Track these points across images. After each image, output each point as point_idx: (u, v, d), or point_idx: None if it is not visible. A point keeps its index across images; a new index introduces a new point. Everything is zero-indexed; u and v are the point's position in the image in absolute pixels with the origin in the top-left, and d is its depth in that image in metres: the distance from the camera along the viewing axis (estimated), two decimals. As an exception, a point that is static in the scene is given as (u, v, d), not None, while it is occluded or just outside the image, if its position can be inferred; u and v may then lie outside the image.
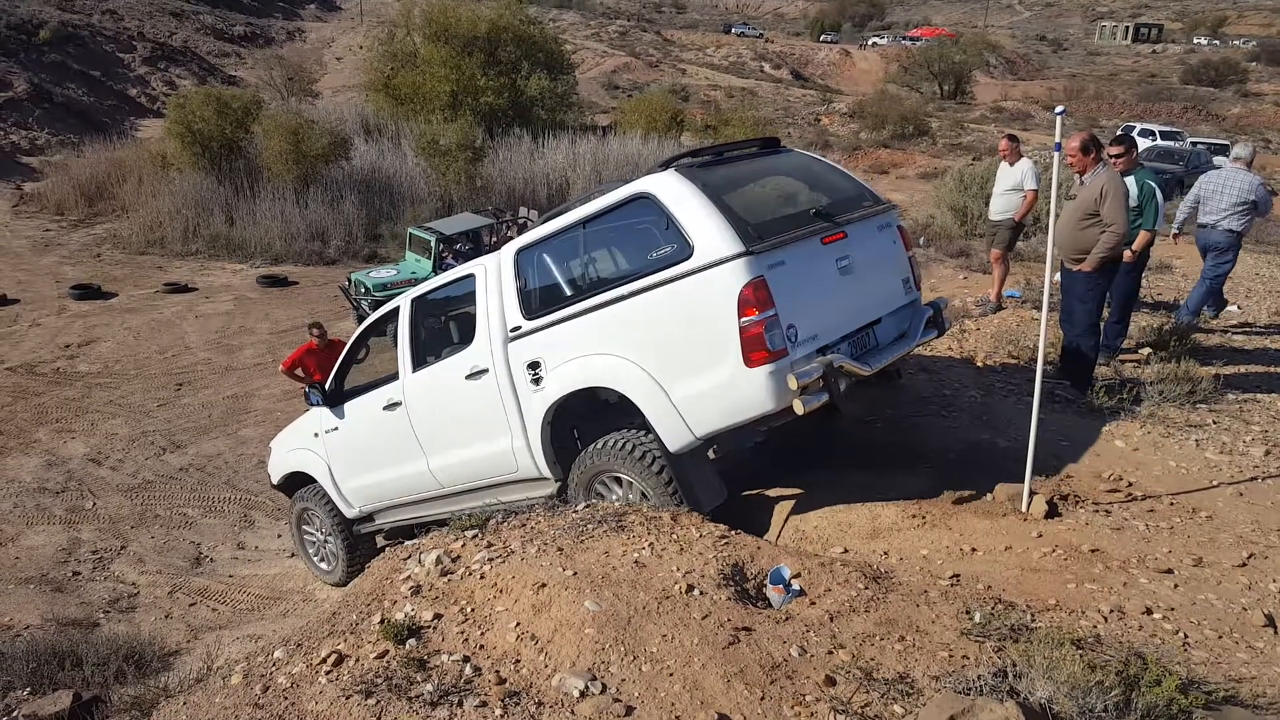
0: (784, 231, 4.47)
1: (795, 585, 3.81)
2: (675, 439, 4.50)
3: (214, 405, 11.71)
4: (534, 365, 4.97)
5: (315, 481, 6.92)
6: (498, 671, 3.34)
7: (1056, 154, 4.78)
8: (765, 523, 5.08)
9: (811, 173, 5.44)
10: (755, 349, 4.13)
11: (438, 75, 25.95)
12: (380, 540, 7.13)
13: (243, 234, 20.20)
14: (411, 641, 3.58)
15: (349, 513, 6.78)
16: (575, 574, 3.77)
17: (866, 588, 3.82)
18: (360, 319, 12.38)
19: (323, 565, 7.29)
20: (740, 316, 4.11)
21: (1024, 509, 4.71)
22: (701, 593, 3.64)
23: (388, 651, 3.53)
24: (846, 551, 4.53)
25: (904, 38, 74.56)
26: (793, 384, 4.16)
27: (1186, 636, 3.57)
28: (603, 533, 4.16)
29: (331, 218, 20.58)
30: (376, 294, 14.47)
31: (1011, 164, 8.93)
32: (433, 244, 15.39)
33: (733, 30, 75.07)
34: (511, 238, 16.73)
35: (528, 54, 28.20)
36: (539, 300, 5.04)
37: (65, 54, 36.59)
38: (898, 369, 5.17)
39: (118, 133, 29.63)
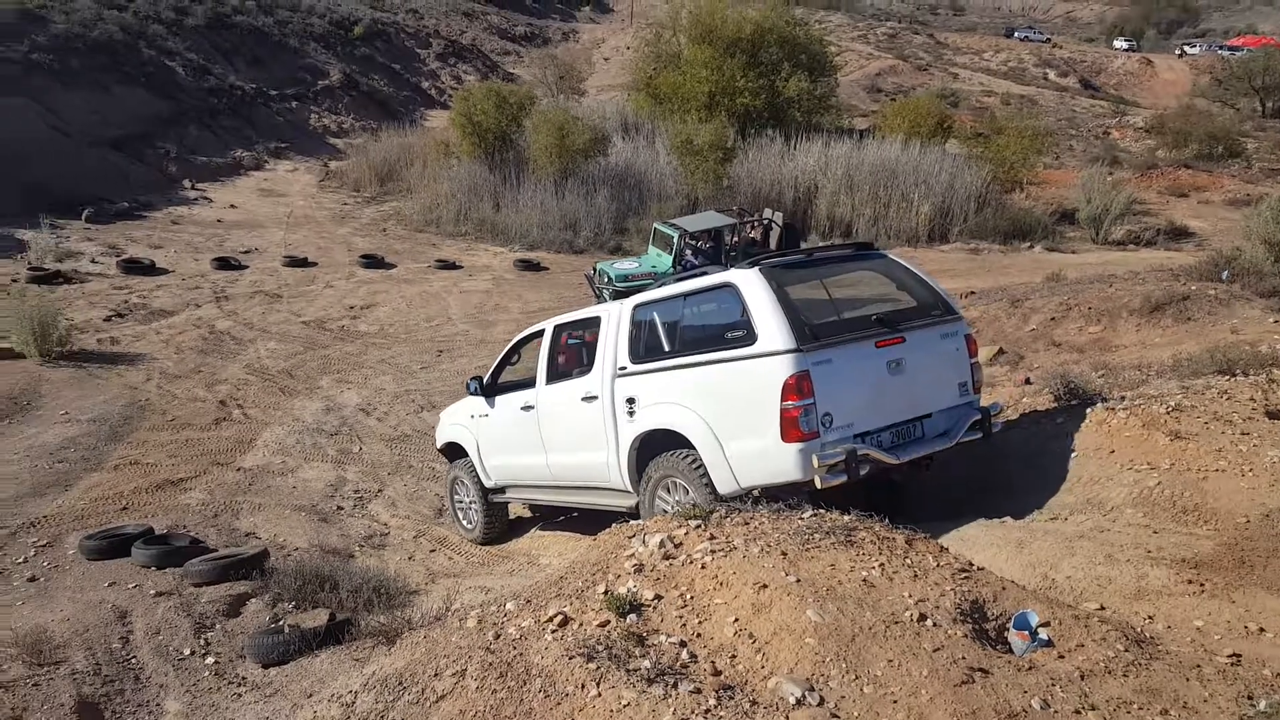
0: (839, 334, 5.38)
1: (1043, 634, 3.49)
2: (724, 485, 5.43)
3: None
4: (631, 400, 6.04)
5: (467, 455, 8.08)
6: (713, 662, 3.32)
7: None
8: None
9: (893, 278, 6.21)
10: (791, 428, 5.00)
11: (698, 76, 26.42)
12: (512, 510, 8.38)
13: (506, 220, 21.76)
14: (632, 616, 3.65)
15: (488, 483, 7.95)
16: (799, 581, 3.67)
17: (1127, 650, 3.43)
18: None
19: (466, 524, 8.34)
20: (783, 400, 5.00)
21: (1334, 592, 4.02)
22: (935, 624, 3.41)
23: (609, 622, 3.62)
24: (1103, 608, 4.09)
25: (1221, 47, 65.80)
26: (816, 463, 4.98)
27: None
28: (830, 544, 4.02)
29: (584, 209, 21.65)
30: (618, 284, 14.97)
31: (1349, 194, 7.65)
32: (675, 240, 15.71)
33: (1015, 34, 69.71)
34: (754, 239, 16.93)
35: (790, 55, 28.01)
36: (644, 349, 6.10)
37: (373, 48, 41.15)
38: (928, 461, 5.75)
39: (409, 121, 32.98)
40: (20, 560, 6.89)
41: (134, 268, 16.73)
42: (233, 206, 23.08)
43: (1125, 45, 67.37)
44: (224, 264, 17.63)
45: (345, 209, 24.22)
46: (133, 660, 5.39)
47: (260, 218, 22.33)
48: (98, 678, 5.11)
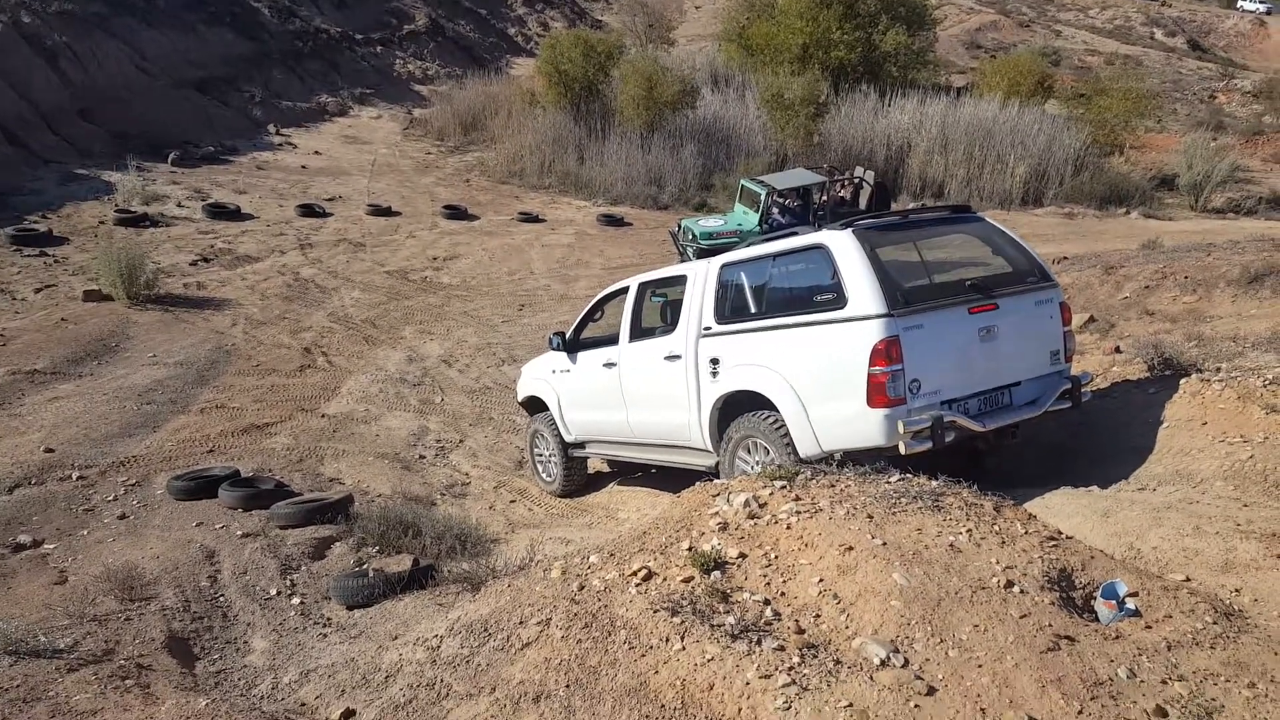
0: (931, 299, 5.30)
1: (1130, 604, 3.46)
2: (805, 447, 5.43)
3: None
4: (715, 361, 6.07)
5: (547, 409, 8.23)
6: (797, 621, 3.38)
7: None
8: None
9: (989, 243, 6.09)
10: (877, 394, 4.99)
11: (792, 27, 25.77)
12: (591, 465, 8.51)
13: (590, 173, 21.76)
14: (716, 573, 3.73)
15: (567, 437, 8.11)
16: (885, 544, 3.70)
17: (1215, 622, 3.39)
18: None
19: (546, 477, 8.53)
20: (870, 365, 4.98)
21: None
22: (1022, 591, 3.41)
23: (693, 578, 3.71)
24: (1189, 580, 4.02)
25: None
26: (901, 429, 4.97)
27: None
28: (916, 509, 4.03)
29: (670, 164, 21.51)
30: (702, 242, 14.89)
31: None
32: (763, 197, 15.50)
33: None
34: (843, 198, 16.59)
35: (888, 7, 27.13)
36: (729, 310, 6.14)
37: (460, -8, 40.82)
38: (1014, 429, 5.64)
39: (495, 69, 32.72)
40: (110, 498, 7.10)
41: (219, 212, 16.88)
42: (317, 153, 23.43)
43: (1260, 6, 61.76)
44: (308, 211, 17.82)
45: (429, 158, 24.42)
46: (221, 598, 5.53)
47: (344, 165, 22.61)
48: (187, 614, 5.24)
